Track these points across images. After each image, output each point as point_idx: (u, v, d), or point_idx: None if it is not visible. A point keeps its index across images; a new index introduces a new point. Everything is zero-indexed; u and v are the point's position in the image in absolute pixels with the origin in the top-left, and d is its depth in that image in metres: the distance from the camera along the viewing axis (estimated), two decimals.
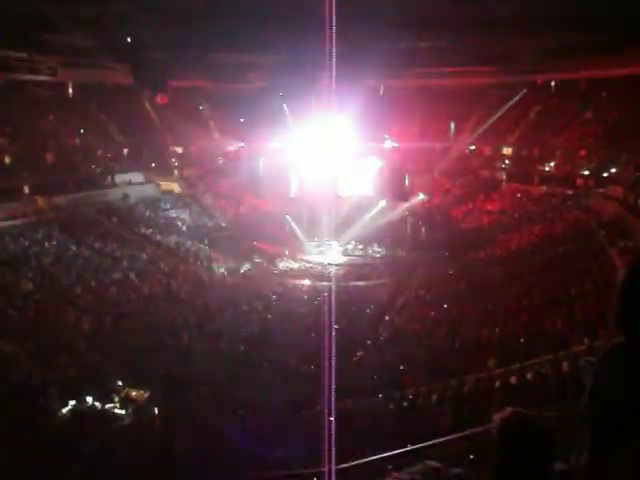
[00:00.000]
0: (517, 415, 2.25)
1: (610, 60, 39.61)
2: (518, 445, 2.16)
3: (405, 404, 16.79)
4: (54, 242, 32.54)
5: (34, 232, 32.65)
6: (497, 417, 2.27)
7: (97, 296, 28.09)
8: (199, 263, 35.42)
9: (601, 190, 35.38)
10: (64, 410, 18.11)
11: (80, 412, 18.03)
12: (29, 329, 23.52)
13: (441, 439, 7.39)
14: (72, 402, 18.37)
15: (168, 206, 43.08)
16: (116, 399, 19.12)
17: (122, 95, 48.80)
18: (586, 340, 16.23)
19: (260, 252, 39.02)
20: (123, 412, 18.55)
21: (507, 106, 46.87)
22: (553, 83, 47.79)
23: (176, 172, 48.01)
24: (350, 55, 37.03)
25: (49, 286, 27.93)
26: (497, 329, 21.90)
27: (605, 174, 36.50)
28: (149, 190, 44.08)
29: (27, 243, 31.45)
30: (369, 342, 24.43)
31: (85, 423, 17.19)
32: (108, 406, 18.73)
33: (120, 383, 20.09)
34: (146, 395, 19.60)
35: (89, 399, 18.73)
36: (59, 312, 25.68)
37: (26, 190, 36.32)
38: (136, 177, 43.88)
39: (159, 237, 37.15)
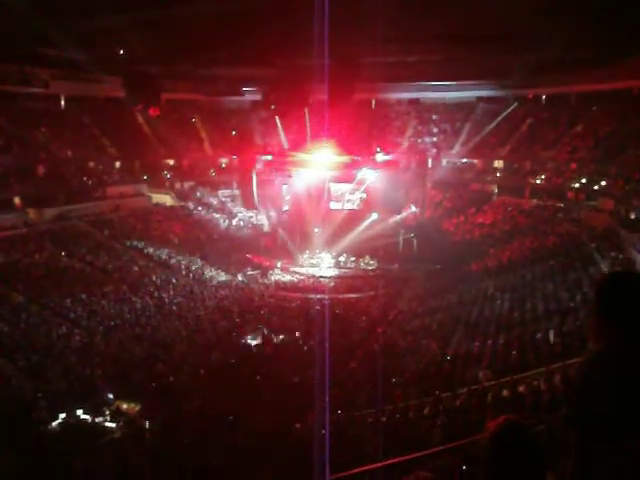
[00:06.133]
0: (511, 423, 2.26)
1: (600, 74, 40.04)
2: (512, 452, 2.17)
3: (397, 416, 16.71)
4: (45, 254, 32.41)
5: (25, 244, 32.51)
6: (491, 425, 2.28)
7: (88, 309, 27.95)
8: (191, 276, 35.32)
9: (592, 203, 35.65)
10: (54, 423, 17.99)
11: (70, 425, 17.90)
12: (20, 342, 23.41)
13: (433, 450, 7.36)
14: (62, 415, 18.25)
15: (160, 218, 42.91)
16: (107, 412, 18.99)
17: (114, 108, 48.83)
18: (578, 352, 16.24)
19: (253, 264, 39.00)
20: (114, 425, 18.41)
21: (498, 119, 47.29)
22: (544, 97, 48.19)
23: (168, 184, 47.98)
24: (341, 69, 37.32)
25: (40, 299, 27.77)
26: (489, 341, 21.90)
27: (595, 187, 36.78)
28: (141, 202, 43.96)
29: (18, 255, 31.31)
30: (361, 354, 24.36)
31: (75, 436, 17.03)
32: (98, 419, 18.60)
33: (111, 396, 19.97)
34: (137, 408, 19.49)
35: (79, 412, 18.61)
36: (50, 325, 25.55)
37: (17, 202, 36.20)
38: (128, 189, 43.80)
39: (151, 250, 37.01)
